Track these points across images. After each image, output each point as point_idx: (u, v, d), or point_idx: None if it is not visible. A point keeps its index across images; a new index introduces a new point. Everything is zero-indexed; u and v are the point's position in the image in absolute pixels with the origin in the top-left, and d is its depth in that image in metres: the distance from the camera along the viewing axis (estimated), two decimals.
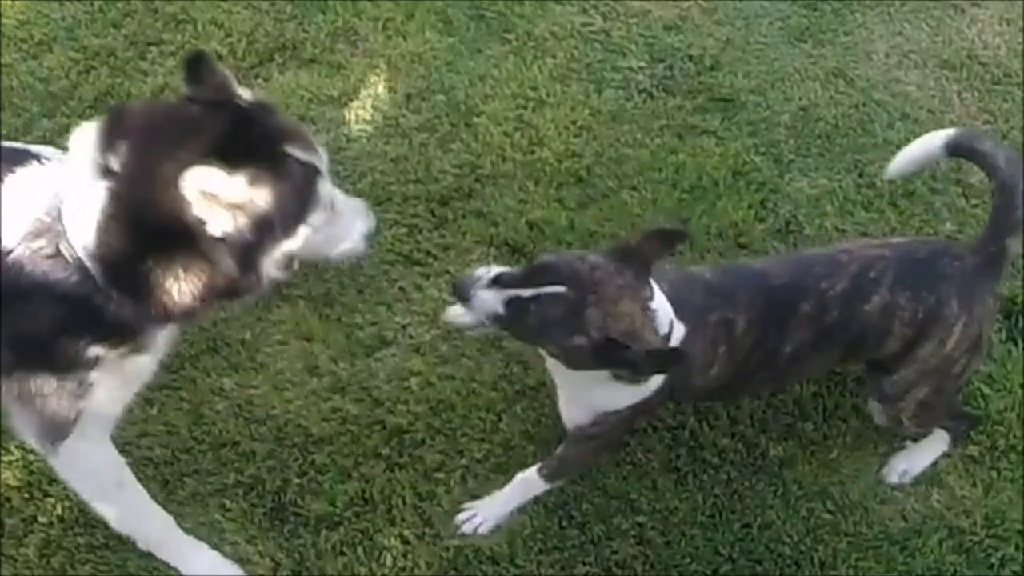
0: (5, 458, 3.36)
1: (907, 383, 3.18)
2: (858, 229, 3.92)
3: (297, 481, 3.36)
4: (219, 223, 2.52)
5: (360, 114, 4.22)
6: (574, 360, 2.83)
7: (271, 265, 2.69)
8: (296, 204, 2.65)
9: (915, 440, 3.43)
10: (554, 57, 4.45)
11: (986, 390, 3.55)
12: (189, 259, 2.57)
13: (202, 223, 2.51)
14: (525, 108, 4.26)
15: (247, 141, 2.59)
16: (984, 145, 3.09)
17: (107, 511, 3.10)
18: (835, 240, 3.88)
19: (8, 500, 3.31)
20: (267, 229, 2.60)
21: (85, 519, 3.26)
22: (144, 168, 2.52)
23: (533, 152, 4.13)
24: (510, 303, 2.74)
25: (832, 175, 4.11)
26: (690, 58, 4.47)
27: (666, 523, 3.32)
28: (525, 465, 3.35)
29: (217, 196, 2.49)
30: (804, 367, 3.24)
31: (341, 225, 2.84)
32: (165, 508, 3.18)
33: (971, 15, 4.67)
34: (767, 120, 4.28)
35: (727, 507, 3.35)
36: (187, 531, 3.22)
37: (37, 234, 2.58)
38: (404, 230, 3.89)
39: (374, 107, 4.25)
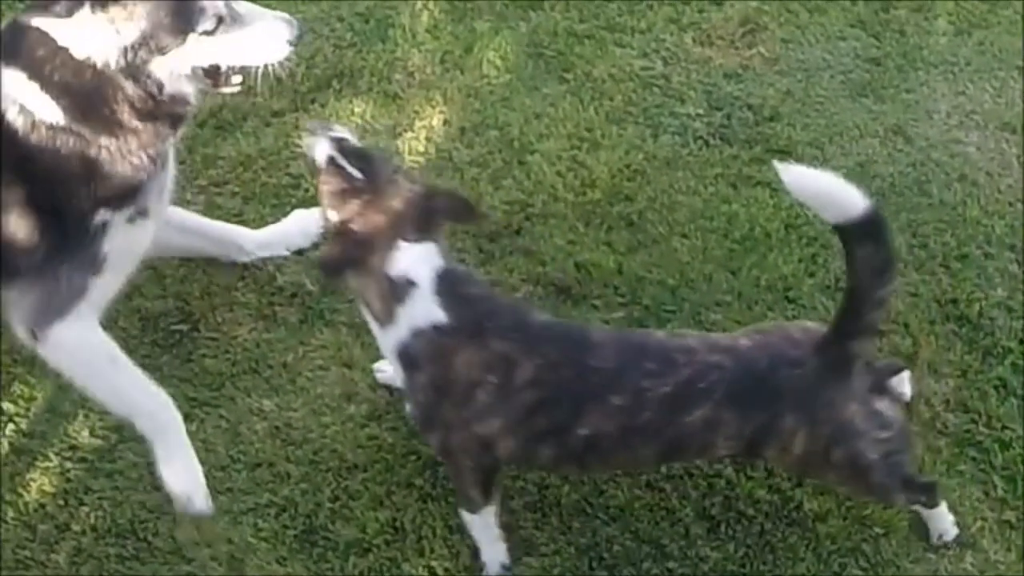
0: (42, 464, 3.41)
1: (787, 468, 3.26)
2: (909, 289, 3.87)
3: (329, 505, 3.38)
4: (83, 50, 2.96)
5: (413, 145, 4.25)
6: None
7: (172, 72, 3.07)
8: (171, 17, 3.00)
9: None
10: (611, 99, 4.46)
11: None
12: (110, 89, 3.01)
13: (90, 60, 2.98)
14: (579, 149, 4.27)
15: None
16: (868, 248, 2.81)
17: (103, 389, 3.23)
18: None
19: (43, 506, 3.35)
20: (141, 44, 2.97)
21: (117, 529, 3.30)
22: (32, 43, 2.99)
23: (585, 193, 4.13)
24: (331, 160, 3.02)
25: None
26: (749, 107, 4.46)
27: (696, 570, 3.29)
28: (558, 503, 3.37)
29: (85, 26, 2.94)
30: (611, 459, 3.14)
31: (253, 32, 3.14)
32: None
33: None
34: None
35: (758, 558, 3.31)
36: (218, 550, 3.26)
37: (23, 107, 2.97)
38: None
39: (427, 139, 4.28)
